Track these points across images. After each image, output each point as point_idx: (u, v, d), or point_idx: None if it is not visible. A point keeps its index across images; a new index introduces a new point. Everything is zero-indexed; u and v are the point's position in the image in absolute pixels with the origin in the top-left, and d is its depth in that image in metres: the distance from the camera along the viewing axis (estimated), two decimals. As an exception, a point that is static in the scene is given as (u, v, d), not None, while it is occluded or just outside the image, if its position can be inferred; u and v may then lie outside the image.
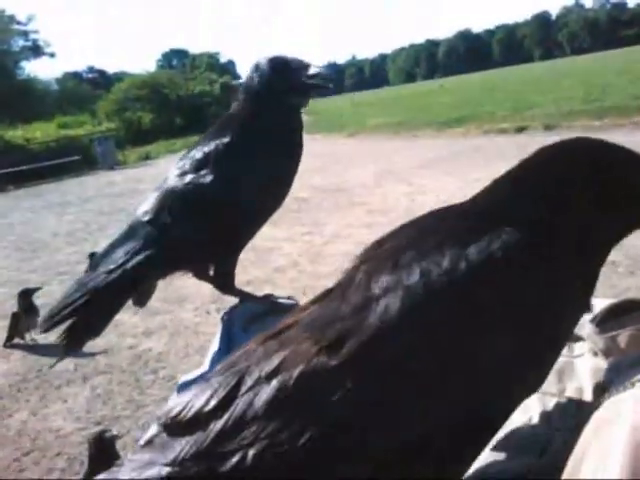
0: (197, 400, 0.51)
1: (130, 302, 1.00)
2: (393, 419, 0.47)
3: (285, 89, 0.97)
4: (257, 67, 0.99)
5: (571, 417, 0.56)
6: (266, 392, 0.48)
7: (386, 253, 0.54)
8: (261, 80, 0.98)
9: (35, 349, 3.66)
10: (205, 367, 1.02)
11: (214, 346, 1.04)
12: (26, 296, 3.75)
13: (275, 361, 0.50)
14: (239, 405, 0.49)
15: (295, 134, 1.01)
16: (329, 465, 0.47)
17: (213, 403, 0.50)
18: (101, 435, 1.97)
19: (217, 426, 0.48)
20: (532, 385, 0.51)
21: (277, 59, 0.98)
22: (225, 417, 0.49)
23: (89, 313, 0.93)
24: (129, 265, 0.90)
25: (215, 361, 1.00)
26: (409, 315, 0.48)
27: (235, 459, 0.46)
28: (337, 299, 0.54)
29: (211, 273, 1.06)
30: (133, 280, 0.93)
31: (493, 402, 0.49)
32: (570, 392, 0.60)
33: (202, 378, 0.97)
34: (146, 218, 0.94)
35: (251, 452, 0.46)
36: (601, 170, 0.53)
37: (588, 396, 0.58)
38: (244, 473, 0.46)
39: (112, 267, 0.91)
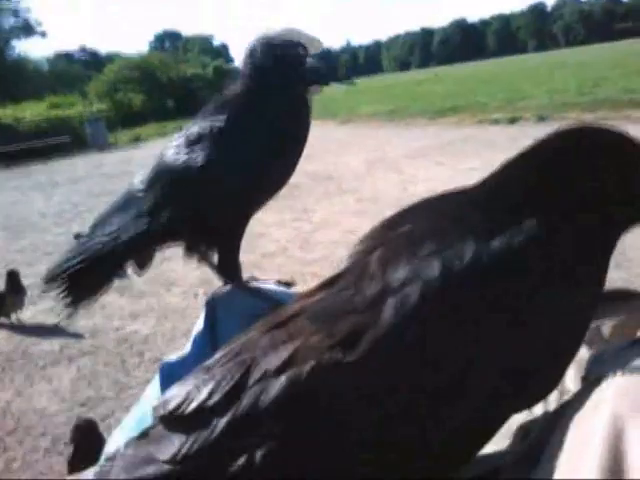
0: (199, 393, 0.48)
1: (116, 284, 0.99)
2: (409, 420, 0.45)
3: (281, 82, 0.91)
4: (251, 54, 0.93)
5: (553, 405, 0.56)
6: (275, 387, 0.45)
7: (402, 240, 0.51)
8: (256, 71, 0.92)
9: (21, 329, 3.65)
10: (187, 349, 1.02)
11: (197, 329, 1.03)
12: (13, 276, 3.73)
13: (284, 354, 0.47)
14: (245, 400, 0.46)
15: (301, 116, 0.96)
16: (341, 465, 0.45)
17: (217, 397, 0.47)
18: (87, 422, 1.98)
19: (222, 422, 0.45)
20: (548, 387, 0.49)
21: (271, 48, 0.91)
22: (230, 413, 0.46)
23: (88, 276, 0.92)
24: (123, 235, 0.90)
25: (197, 344, 0.99)
26: (427, 311, 0.46)
27: (242, 458, 0.44)
28: (349, 288, 0.50)
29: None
30: (128, 249, 0.92)
31: (512, 404, 0.48)
32: None
33: (185, 361, 0.97)
34: (139, 188, 0.93)
35: (259, 452, 0.44)
36: (616, 160, 0.52)
37: (570, 385, 0.57)
38: (251, 473, 0.44)
39: (107, 234, 0.90)
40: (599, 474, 0.36)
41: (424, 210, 0.55)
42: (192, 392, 0.48)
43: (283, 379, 0.45)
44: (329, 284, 0.53)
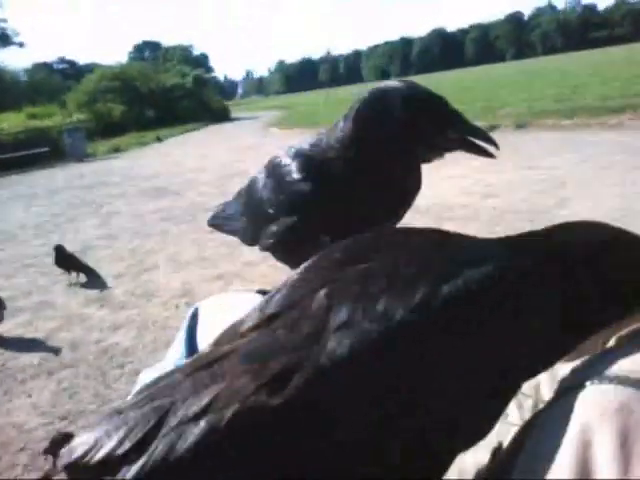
0: (108, 440, 0.43)
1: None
2: (332, 465, 0.42)
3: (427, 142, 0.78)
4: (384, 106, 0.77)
5: (528, 413, 0.56)
6: (193, 433, 0.41)
7: (353, 276, 0.47)
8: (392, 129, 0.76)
9: (-1, 343, 3.59)
10: (166, 360, 1.01)
11: (177, 339, 1.02)
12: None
13: (205, 398, 0.43)
14: (159, 448, 0.41)
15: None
16: None
17: (127, 445, 0.42)
18: (65, 436, 1.95)
19: (131, 473, 0.41)
20: (477, 434, 0.47)
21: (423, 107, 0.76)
22: (141, 462, 0.41)
23: None
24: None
25: (176, 355, 0.98)
26: (360, 359, 0.42)
27: None
28: (285, 327, 0.46)
29: None
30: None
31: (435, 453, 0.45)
32: (526, 389, 0.59)
33: (164, 374, 0.96)
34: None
35: None
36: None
37: (545, 394, 0.58)
38: None
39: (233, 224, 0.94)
40: None
41: (395, 244, 0.52)
42: (101, 439, 0.44)
43: (202, 424, 0.42)
44: (264, 324, 0.48)
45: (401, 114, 0.76)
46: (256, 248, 0.98)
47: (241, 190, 0.97)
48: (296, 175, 0.83)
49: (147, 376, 1.01)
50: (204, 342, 0.95)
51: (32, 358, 3.27)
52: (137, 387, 1.01)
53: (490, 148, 0.73)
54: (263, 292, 1.10)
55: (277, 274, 4.44)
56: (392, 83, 0.80)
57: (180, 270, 4.51)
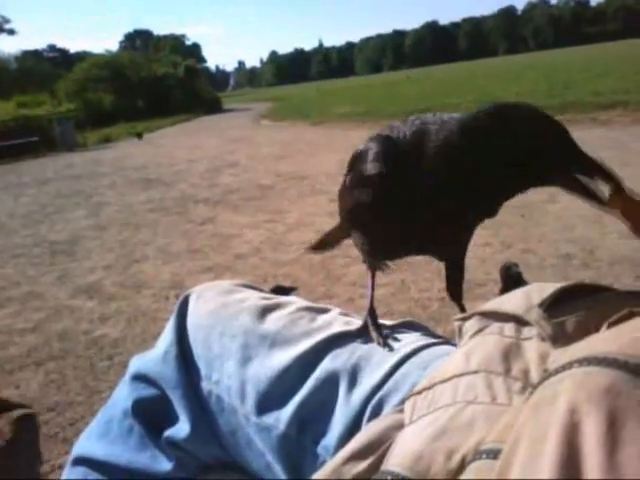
0: None
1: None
2: None
3: None
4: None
5: (516, 395, 0.56)
6: None
7: None
8: None
9: (-13, 333, 3.57)
10: (155, 349, 1.00)
11: (167, 328, 1.02)
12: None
13: None
14: None
15: None
16: None
17: None
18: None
19: None
20: None
21: None
22: None
23: None
24: None
25: (165, 344, 0.97)
26: None
27: None
28: None
29: None
30: None
31: None
32: (516, 372, 0.60)
33: (153, 362, 0.95)
34: None
35: None
36: None
37: (534, 377, 0.58)
38: None
39: None
40: (555, 465, 0.36)
41: None
42: None
43: None
44: None
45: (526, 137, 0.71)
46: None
47: None
48: (371, 157, 0.83)
49: (138, 362, 1.01)
50: (193, 329, 0.94)
51: (20, 349, 3.25)
52: (128, 375, 1.00)
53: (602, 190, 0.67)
54: (252, 287, 1.09)
55: (268, 267, 4.44)
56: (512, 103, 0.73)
57: (170, 262, 4.50)
